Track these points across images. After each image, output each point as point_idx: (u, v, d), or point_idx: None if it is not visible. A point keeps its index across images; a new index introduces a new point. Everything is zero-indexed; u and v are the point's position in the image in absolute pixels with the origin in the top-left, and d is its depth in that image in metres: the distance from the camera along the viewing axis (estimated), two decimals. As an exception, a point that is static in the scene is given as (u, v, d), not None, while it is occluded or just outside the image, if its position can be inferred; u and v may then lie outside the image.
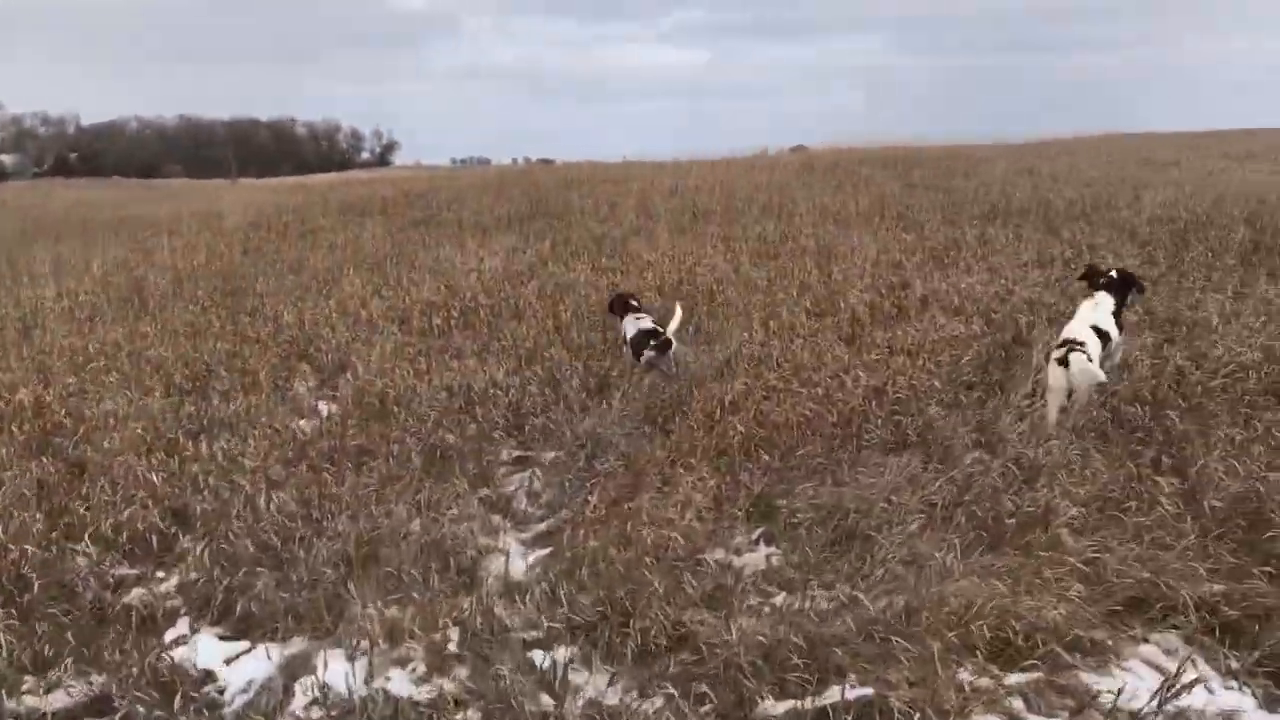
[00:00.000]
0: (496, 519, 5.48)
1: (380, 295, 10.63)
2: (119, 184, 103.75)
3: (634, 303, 8.28)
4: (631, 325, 7.91)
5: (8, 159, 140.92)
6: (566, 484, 5.83)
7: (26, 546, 4.86)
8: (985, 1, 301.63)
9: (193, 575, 4.80)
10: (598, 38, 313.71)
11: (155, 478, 5.64)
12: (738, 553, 4.91)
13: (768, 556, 4.83)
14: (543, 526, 5.45)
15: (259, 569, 4.77)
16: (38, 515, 5.26)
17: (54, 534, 5.08)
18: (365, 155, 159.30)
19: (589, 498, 5.54)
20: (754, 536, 5.05)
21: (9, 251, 17.72)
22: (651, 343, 7.54)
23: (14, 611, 4.42)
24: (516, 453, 6.48)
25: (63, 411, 6.69)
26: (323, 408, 7.33)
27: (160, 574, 4.92)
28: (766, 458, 5.82)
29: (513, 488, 5.97)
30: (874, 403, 6.49)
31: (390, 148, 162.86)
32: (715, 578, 4.55)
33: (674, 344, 7.60)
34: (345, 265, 12.76)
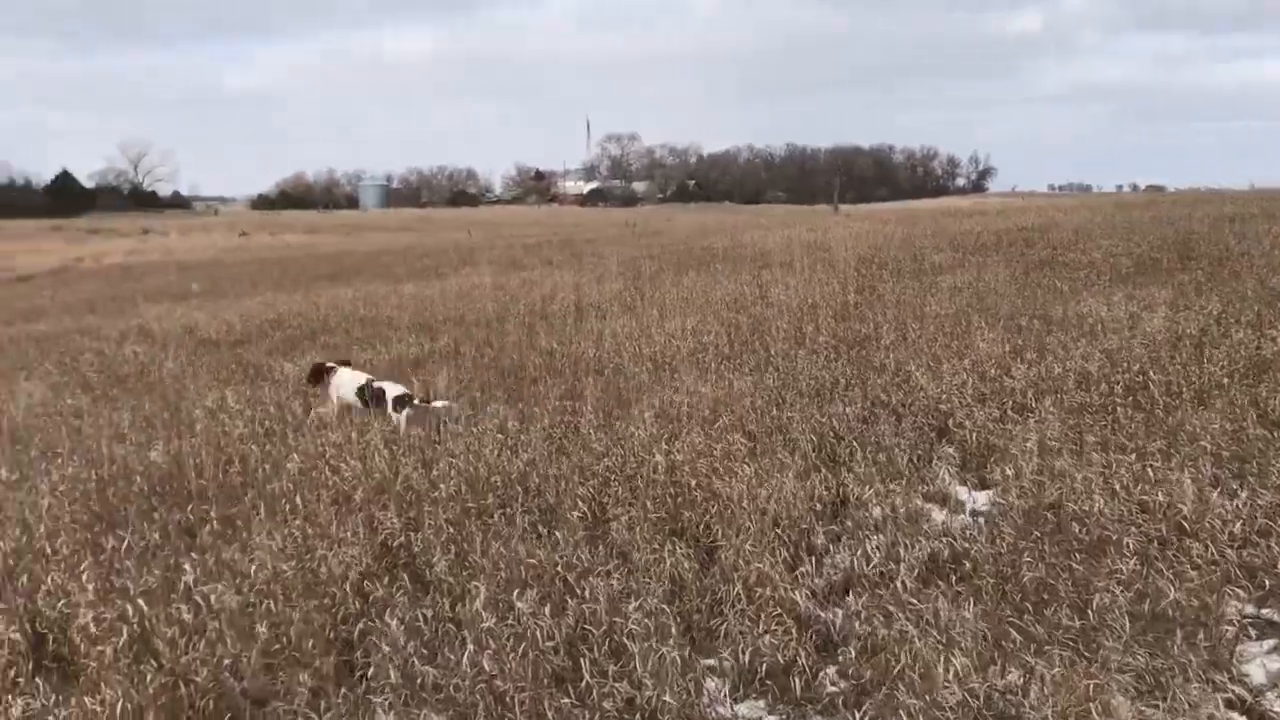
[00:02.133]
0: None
1: (1021, 358, 9.16)
2: (728, 209, 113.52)
3: None
4: None
5: (640, 186, 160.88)
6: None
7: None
8: None
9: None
10: (1213, 50, 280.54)
11: (796, 595, 4.75)
12: None
13: None
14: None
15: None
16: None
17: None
18: (960, 181, 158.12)
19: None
20: None
21: (648, 277, 19.00)
22: None
23: None
24: (1253, 610, 4.69)
25: (693, 483, 6.15)
26: (974, 499, 6.13)
27: None
28: None
29: (1257, 671, 4.25)
30: None
31: (985, 174, 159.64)
32: None
33: None
34: (970, 313, 11.49)
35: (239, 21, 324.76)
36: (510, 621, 4.34)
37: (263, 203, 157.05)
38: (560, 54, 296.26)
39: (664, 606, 4.48)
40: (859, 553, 5.33)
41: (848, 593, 4.96)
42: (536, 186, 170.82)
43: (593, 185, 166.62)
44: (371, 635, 4.44)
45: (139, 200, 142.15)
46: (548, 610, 4.38)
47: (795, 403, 7.96)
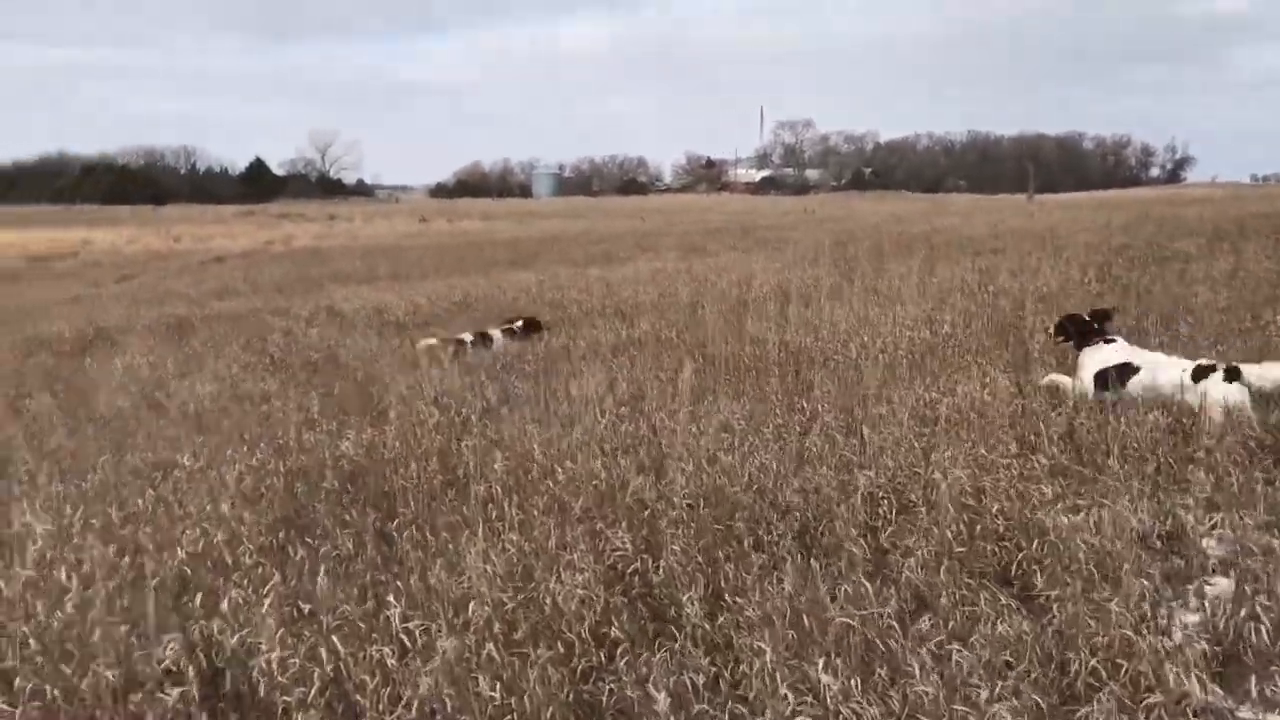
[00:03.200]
0: None
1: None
2: (906, 197, 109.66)
3: None
4: None
5: (814, 173, 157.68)
6: None
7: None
8: None
9: None
10: None
11: (1181, 674, 3.50)
12: None
13: None
14: None
15: None
16: None
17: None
18: (1154, 172, 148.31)
19: None
20: None
21: (848, 263, 17.70)
22: None
23: None
24: None
25: (994, 508, 4.92)
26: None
27: None
28: None
29: None
30: None
31: (1183, 163, 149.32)
32: None
33: None
34: (1259, 305, 9.81)
35: (420, 16, 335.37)
36: (810, 701, 3.25)
37: (441, 191, 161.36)
38: (734, 41, 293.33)
39: (1021, 687, 3.32)
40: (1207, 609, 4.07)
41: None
42: (707, 174, 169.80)
43: (765, 173, 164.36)
44: (619, 701, 3.46)
45: (326, 188, 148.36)
46: (856, 684, 3.28)
47: (1082, 406, 6.61)
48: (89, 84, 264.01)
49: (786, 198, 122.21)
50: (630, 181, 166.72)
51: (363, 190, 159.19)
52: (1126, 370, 6.91)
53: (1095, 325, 7.55)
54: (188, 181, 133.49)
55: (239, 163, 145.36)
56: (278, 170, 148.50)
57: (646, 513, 4.93)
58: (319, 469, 6.29)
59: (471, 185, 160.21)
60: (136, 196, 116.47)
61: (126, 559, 4.57)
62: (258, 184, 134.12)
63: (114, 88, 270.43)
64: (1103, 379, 6.95)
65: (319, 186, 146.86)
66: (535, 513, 5.08)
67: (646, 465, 5.78)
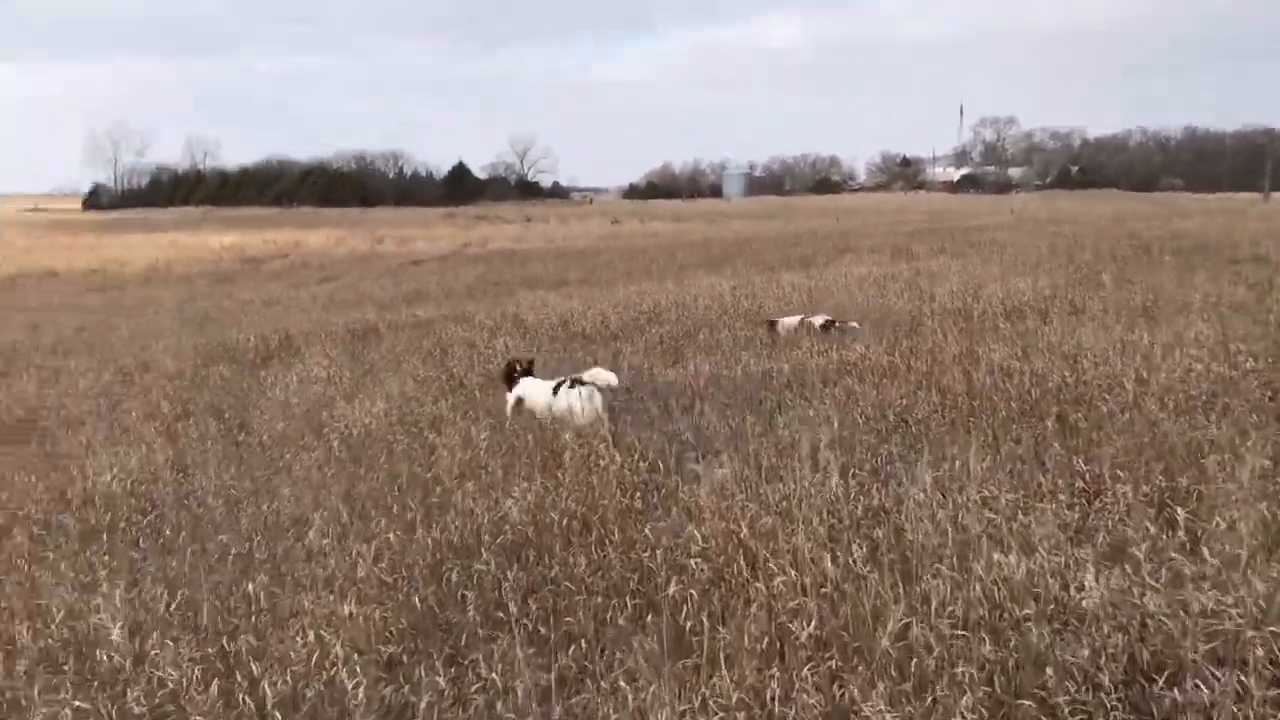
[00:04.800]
0: None
1: None
2: (1116, 195, 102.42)
3: None
4: None
5: (1016, 171, 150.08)
6: None
7: None
8: None
9: None
10: None
11: None
12: None
13: None
14: None
15: None
16: None
17: None
18: None
19: None
20: None
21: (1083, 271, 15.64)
22: None
23: None
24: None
25: None
26: None
27: None
28: None
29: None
30: None
31: None
32: None
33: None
34: None
35: (620, 16, 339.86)
36: None
37: (633, 192, 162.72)
38: (934, 38, 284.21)
39: None
40: None
41: None
42: (903, 173, 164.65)
43: (964, 171, 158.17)
44: None
45: (523, 190, 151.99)
46: None
47: None
48: (307, 93, 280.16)
49: (985, 196, 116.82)
50: (823, 180, 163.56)
51: (558, 192, 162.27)
52: None
53: None
54: (394, 185, 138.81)
55: (443, 167, 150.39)
56: (479, 173, 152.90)
57: (914, 662, 3.48)
58: (475, 535, 5.17)
59: (662, 187, 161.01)
60: (347, 199, 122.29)
61: (215, 684, 3.51)
62: (459, 187, 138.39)
63: (331, 97, 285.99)
64: None
65: (517, 189, 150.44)
66: (745, 636, 3.74)
67: (887, 559, 4.35)
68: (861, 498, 5.19)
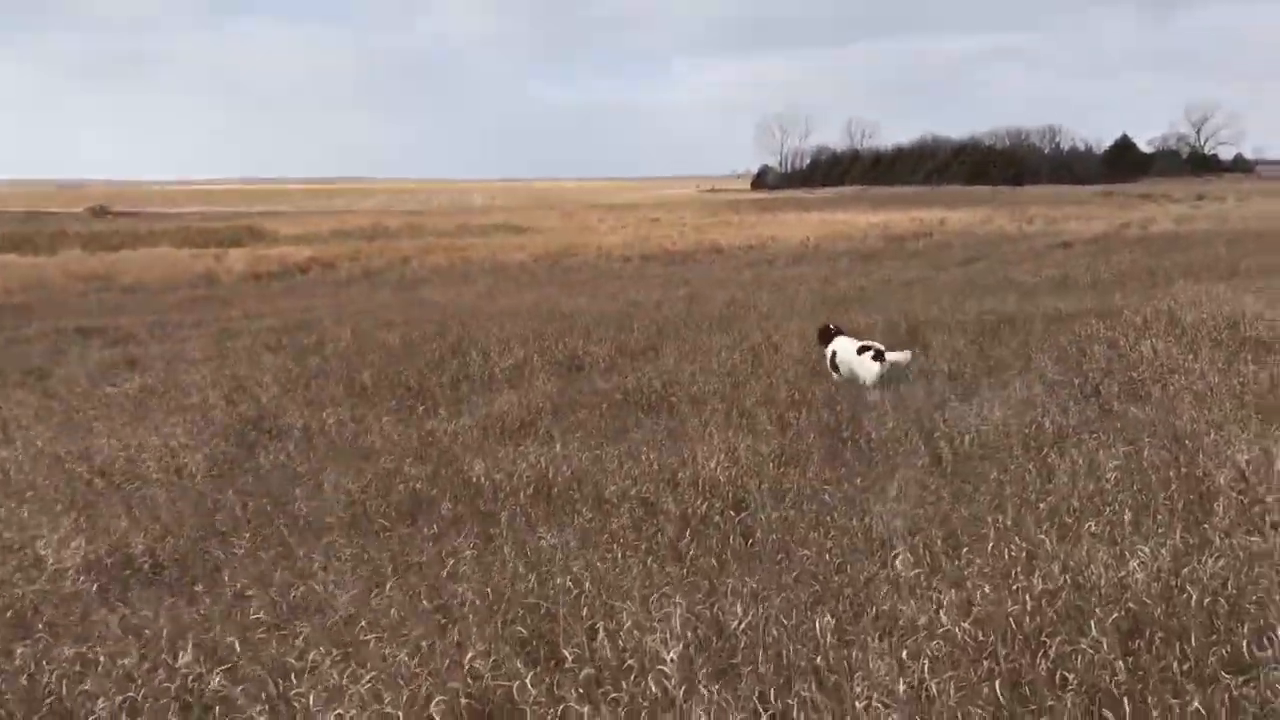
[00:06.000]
0: None
1: None
2: None
3: None
4: None
5: None
6: None
7: None
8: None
9: None
10: None
11: None
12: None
13: None
14: None
15: None
16: None
17: None
18: None
19: None
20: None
21: None
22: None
23: None
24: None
25: None
26: None
27: None
28: None
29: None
30: None
31: None
32: None
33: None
34: None
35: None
36: None
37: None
38: None
39: None
40: None
41: None
42: None
43: None
44: None
45: (1197, 164, 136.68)
46: None
47: None
48: (968, 69, 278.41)
49: None
50: None
51: (1241, 166, 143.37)
52: None
53: None
54: (1049, 161, 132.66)
55: (1104, 141, 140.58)
56: (1145, 148, 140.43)
57: None
58: (1086, 598, 4.22)
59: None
60: (998, 177, 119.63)
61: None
62: (1120, 163, 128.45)
63: (990, 72, 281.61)
64: None
65: (1189, 163, 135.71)
66: None
67: None
68: None
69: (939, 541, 5.22)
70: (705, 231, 52.96)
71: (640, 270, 34.78)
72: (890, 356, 9.87)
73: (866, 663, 3.76)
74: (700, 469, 6.98)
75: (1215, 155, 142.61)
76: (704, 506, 6.19)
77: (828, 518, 5.90)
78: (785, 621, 4.24)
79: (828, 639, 4.02)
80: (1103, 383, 9.45)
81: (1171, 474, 5.92)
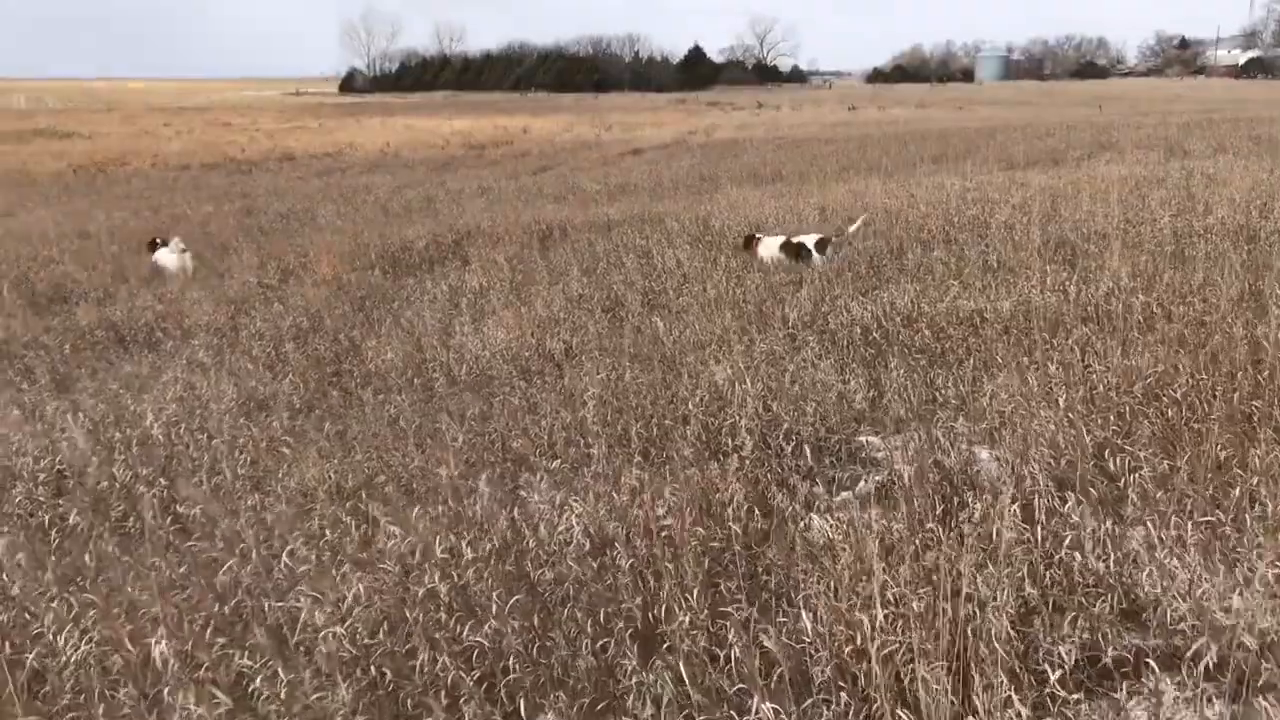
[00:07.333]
0: None
1: None
2: None
3: None
4: None
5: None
6: None
7: None
8: None
9: None
10: None
11: None
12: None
13: None
14: None
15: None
16: None
17: None
18: None
19: None
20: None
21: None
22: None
23: None
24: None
25: None
26: None
27: None
28: None
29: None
30: None
31: None
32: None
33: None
34: None
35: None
36: None
37: (877, 76, 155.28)
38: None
39: None
40: None
41: None
42: (1179, 56, 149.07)
43: (1251, 54, 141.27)
44: None
45: (761, 75, 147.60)
46: None
47: None
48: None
49: (1277, 83, 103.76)
50: (1087, 65, 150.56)
51: (797, 77, 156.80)
52: None
53: None
54: (630, 69, 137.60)
55: (680, 50, 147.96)
56: (716, 58, 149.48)
57: None
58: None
59: (909, 70, 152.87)
60: (582, 85, 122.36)
61: None
62: (694, 72, 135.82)
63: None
64: None
65: (754, 74, 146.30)
66: None
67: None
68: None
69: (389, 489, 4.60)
70: (280, 138, 49.49)
71: (197, 180, 31.62)
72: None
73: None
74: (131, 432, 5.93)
75: (776, 66, 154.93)
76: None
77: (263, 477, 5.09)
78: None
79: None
80: (625, 295, 9.34)
81: (649, 400, 5.70)
